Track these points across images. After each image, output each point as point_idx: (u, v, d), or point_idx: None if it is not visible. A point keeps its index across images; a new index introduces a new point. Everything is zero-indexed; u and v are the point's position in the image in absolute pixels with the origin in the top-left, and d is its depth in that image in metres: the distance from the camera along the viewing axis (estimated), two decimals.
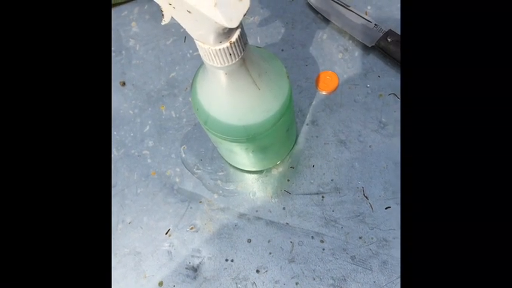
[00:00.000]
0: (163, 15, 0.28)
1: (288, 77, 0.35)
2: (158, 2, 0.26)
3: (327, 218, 0.42)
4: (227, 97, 0.32)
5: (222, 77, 0.30)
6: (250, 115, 0.34)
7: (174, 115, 0.48)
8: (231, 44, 0.27)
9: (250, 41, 0.47)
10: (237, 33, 0.27)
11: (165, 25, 0.51)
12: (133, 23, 0.52)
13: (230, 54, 0.28)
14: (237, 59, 0.28)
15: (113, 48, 0.51)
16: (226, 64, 0.28)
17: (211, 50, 0.27)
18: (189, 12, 0.25)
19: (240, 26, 0.27)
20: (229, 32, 0.26)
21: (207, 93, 0.33)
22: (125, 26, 0.52)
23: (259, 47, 0.36)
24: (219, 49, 0.27)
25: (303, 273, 0.41)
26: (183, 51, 0.50)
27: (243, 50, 0.28)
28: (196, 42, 0.28)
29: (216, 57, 0.28)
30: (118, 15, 0.52)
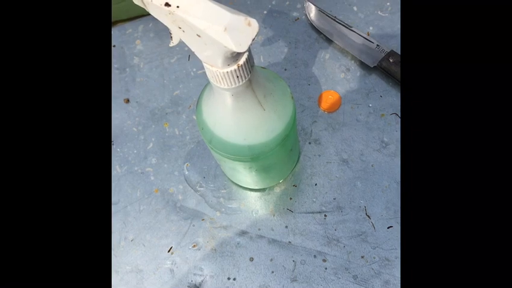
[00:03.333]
0: (171, 37, 0.28)
1: (292, 97, 0.36)
2: (167, 25, 0.27)
3: (329, 236, 0.43)
4: (232, 117, 0.33)
5: (228, 98, 0.31)
6: (254, 135, 0.34)
7: (177, 132, 0.48)
8: (238, 66, 0.27)
9: (254, 60, 0.48)
10: (245, 56, 0.27)
11: (168, 43, 0.51)
12: (137, 41, 0.52)
13: (237, 77, 0.28)
14: (243, 81, 0.29)
15: (117, 66, 0.51)
16: (233, 86, 0.29)
17: (218, 73, 0.28)
18: (199, 36, 0.25)
19: (248, 49, 0.27)
20: (237, 55, 0.27)
21: (213, 113, 0.34)
22: (129, 43, 0.52)
23: (264, 68, 0.37)
24: (227, 72, 0.27)
25: None
26: (186, 69, 0.50)
27: (250, 72, 0.29)
28: (204, 64, 0.28)
29: (224, 79, 0.28)
30: (123, 33, 0.53)
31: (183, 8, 0.25)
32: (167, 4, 0.25)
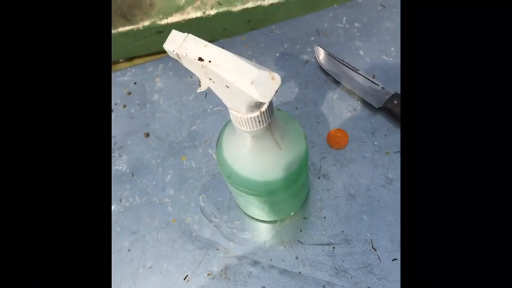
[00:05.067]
0: (200, 84, 0.31)
1: (305, 137, 0.39)
2: (198, 76, 0.30)
3: (338, 268, 0.45)
4: (251, 156, 0.36)
5: (248, 139, 0.34)
6: (271, 172, 0.37)
7: (194, 165, 0.51)
8: (260, 113, 0.31)
9: None
10: (267, 104, 0.31)
11: (187, 82, 0.55)
12: (157, 79, 0.56)
13: (259, 122, 0.31)
14: (264, 125, 0.32)
15: (138, 102, 0.55)
16: (255, 129, 0.32)
17: (242, 118, 0.31)
18: (227, 87, 0.28)
19: None
20: (260, 103, 0.30)
21: (233, 151, 0.37)
22: (149, 81, 0.56)
23: (280, 110, 0.40)
24: (250, 117, 0.31)
25: None
26: (203, 106, 0.54)
27: (270, 117, 0.32)
28: (230, 110, 0.31)
29: (247, 123, 0.31)
30: (144, 71, 0.56)
31: (214, 62, 0.28)
32: (200, 59, 0.28)
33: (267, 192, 0.39)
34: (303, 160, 0.38)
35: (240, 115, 0.31)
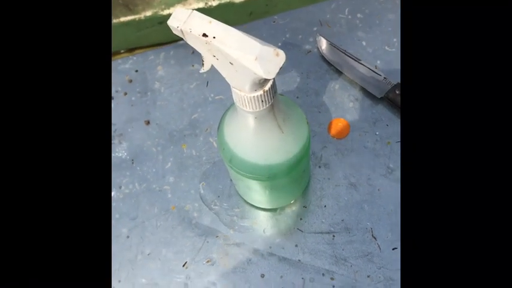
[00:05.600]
0: (203, 64, 0.31)
1: (307, 122, 0.39)
2: (202, 53, 0.30)
3: (337, 256, 0.45)
4: (254, 138, 0.35)
5: (251, 121, 0.34)
6: (273, 156, 0.37)
7: (194, 153, 0.51)
8: (264, 92, 0.30)
9: None
10: (270, 83, 0.30)
11: (188, 71, 0.55)
12: (159, 67, 0.56)
13: (262, 101, 0.31)
14: (267, 105, 0.32)
15: (139, 89, 0.54)
16: (258, 109, 0.32)
17: (246, 97, 0.31)
18: (231, 63, 0.28)
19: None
20: (263, 82, 0.30)
21: (235, 134, 0.37)
22: (151, 69, 0.56)
23: (283, 95, 0.40)
24: (253, 96, 0.30)
25: None
26: (205, 94, 0.54)
27: (273, 98, 0.32)
28: (233, 89, 0.31)
29: (249, 103, 0.31)
30: (145, 59, 0.56)
31: (219, 38, 0.28)
32: (205, 35, 0.28)
33: (268, 177, 0.38)
34: (305, 145, 0.38)
35: (243, 94, 0.30)
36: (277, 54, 0.28)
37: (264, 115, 0.33)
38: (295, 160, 0.38)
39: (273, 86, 0.31)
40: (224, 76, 0.30)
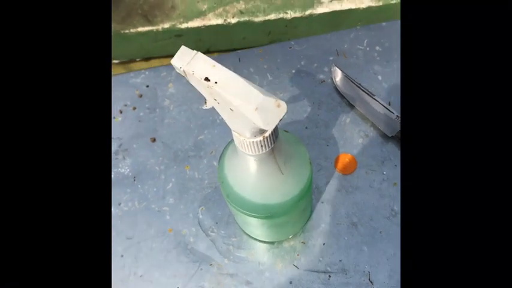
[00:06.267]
0: (206, 102, 0.31)
1: (310, 163, 0.38)
2: (204, 95, 0.29)
3: None
4: (252, 178, 0.35)
5: (250, 162, 0.33)
6: (271, 196, 0.36)
7: (197, 176, 0.50)
8: (264, 138, 0.30)
9: None
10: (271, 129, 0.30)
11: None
12: (170, 84, 0.55)
13: (262, 146, 0.30)
14: (267, 150, 0.31)
15: (148, 105, 0.54)
16: (257, 153, 0.31)
17: (245, 141, 0.30)
18: (231, 110, 0.28)
19: None
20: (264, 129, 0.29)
21: (234, 170, 0.36)
22: (162, 85, 0.55)
23: (287, 131, 0.39)
24: (253, 141, 0.30)
25: None
26: (213, 116, 0.53)
27: (274, 142, 0.31)
28: (233, 132, 0.30)
29: (249, 147, 0.30)
30: (157, 75, 0.56)
31: (220, 84, 0.27)
32: (207, 79, 0.27)
33: (265, 216, 0.38)
34: (305, 186, 0.37)
35: (243, 138, 0.30)
36: (279, 106, 0.27)
37: (264, 158, 0.32)
38: (294, 201, 0.37)
39: (274, 131, 0.30)
40: (224, 119, 0.30)
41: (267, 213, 0.37)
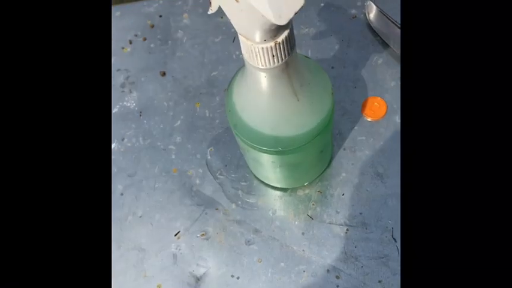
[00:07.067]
0: (210, 3, 0.26)
1: (332, 94, 0.33)
2: None
3: (348, 253, 0.39)
4: (262, 102, 0.30)
5: (261, 80, 0.28)
6: (283, 126, 0.31)
7: (207, 114, 0.46)
8: (276, 44, 0.24)
9: (301, 53, 0.45)
10: (285, 33, 0.24)
11: (216, 22, 0.49)
12: (185, 15, 0.50)
13: (273, 56, 0.25)
14: (280, 63, 0.26)
15: (159, 36, 0.49)
16: (268, 66, 0.26)
17: (254, 48, 0.25)
18: (237, 1, 0.22)
19: (290, 26, 0.24)
20: (276, 30, 0.24)
21: (243, 95, 0.31)
22: (176, 16, 0.50)
23: (307, 57, 0.34)
24: (263, 47, 0.25)
25: None
26: (229, 51, 0.48)
27: (288, 54, 0.26)
28: (240, 37, 0.25)
29: (258, 56, 0.25)
30: (172, 4, 0.51)
31: None
32: None
33: (276, 151, 0.33)
34: (324, 119, 0.32)
35: (251, 43, 0.25)
36: None
37: (276, 75, 0.27)
38: (310, 136, 0.32)
39: (289, 38, 0.25)
40: (229, 18, 0.24)
41: (278, 148, 0.32)
